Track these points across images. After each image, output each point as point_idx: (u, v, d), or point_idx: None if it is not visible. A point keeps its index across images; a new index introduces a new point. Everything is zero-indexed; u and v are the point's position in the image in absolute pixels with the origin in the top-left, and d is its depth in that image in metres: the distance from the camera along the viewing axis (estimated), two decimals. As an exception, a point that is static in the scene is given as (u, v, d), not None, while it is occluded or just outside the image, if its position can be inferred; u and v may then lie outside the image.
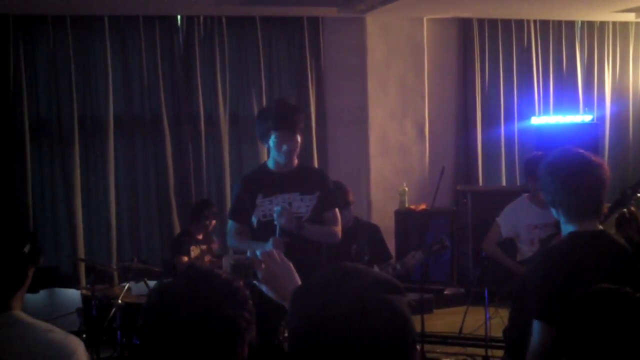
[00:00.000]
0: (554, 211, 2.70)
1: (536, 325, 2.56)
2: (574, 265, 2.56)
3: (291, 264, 1.96)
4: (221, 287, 1.61)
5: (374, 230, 5.10)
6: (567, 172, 2.61)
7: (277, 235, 3.86)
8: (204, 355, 1.57)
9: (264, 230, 3.97)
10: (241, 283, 1.66)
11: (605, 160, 7.96)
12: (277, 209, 3.87)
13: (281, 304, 1.92)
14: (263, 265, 1.92)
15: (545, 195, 2.69)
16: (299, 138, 3.97)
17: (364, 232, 4.94)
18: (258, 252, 1.94)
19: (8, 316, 2.08)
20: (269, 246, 3.71)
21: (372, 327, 1.31)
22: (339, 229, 4.09)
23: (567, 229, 2.66)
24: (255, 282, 1.93)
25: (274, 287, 1.92)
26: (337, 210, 4.14)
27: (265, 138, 3.96)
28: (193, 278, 1.62)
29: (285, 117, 3.90)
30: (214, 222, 6.29)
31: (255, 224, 4.04)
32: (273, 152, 3.98)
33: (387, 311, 1.33)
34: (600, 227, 2.68)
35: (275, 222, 3.86)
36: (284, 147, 3.91)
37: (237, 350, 1.60)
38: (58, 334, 2.11)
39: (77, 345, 2.13)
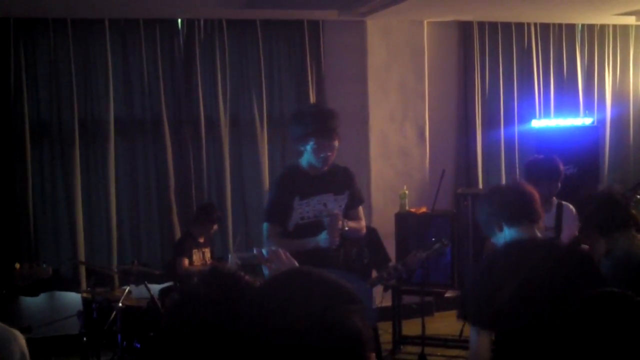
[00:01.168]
0: (497, 235, 2.95)
1: (472, 330, 2.64)
2: (505, 272, 2.59)
3: (296, 262, 1.97)
4: (246, 289, 1.62)
5: (372, 233, 5.12)
6: (498, 191, 3.06)
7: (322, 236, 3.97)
8: (230, 357, 1.58)
9: (303, 233, 4.00)
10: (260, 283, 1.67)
11: (605, 163, 8.02)
12: (326, 219, 3.99)
13: None
14: (270, 264, 1.93)
15: (486, 222, 2.98)
16: (336, 144, 4.03)
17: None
18: (264, 251, 1.95)
19: None
20: (323, 240, 3.90)
21: (319, 337, 1.30)
22: (364, 223, 4.32)
23: (506, 238, 2.88)
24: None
25: None
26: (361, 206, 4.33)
27: (302, 143, 3.99)
28: (216, 282, 1.63)
29: (325, 124, 3.96)
30: (215, 226, 6.30)
31: (291, 227, 4.06)
32: (309, 156, 4.01)
33: (336, 323, 1.32)
34: (538, 233, 2.92)
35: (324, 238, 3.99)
36: (322, 154, 3.97)
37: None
38: None
39: (18, 334, 2.30)
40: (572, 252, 2.76)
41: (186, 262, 6.05)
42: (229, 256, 1.80)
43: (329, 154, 3.99)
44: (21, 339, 2.34)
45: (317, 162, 4.00)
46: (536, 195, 2.96)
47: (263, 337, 1.33)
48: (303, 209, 4.04)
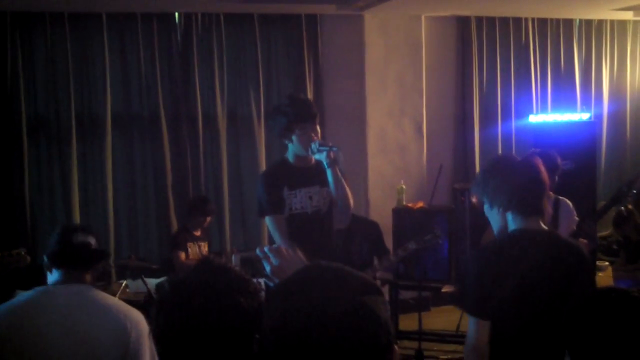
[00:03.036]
0: (494, 212, 2.72)
1: (471, 321, 2.60)
2: (509, 263, 2.58)
3: (299, 258, 1.98)
4: (235, 279, 1.64)
5: (374, 226, 5.16)
6: (510, 171, 2.67)
7: (302, 226, 3.95)
8: (219, 346, 1.59)
9: (294, 223, 4.00)
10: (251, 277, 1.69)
11: (602, 158, 8.03)
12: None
13: None
14: (271, 260, 1.94)
15: (490, 198, 2.72)
16: (318, 128, 4.05)
17: (363, 228, 4.97)
18: (266, 248, 1.96)
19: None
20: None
21: (345, 328, 1.31)
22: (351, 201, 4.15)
23: (512, 227, 2.69)
24: (264, 278, 1.95)
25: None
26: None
27: (287, 133, 3.99)
28: (207, 271, 1.64)
29: (305, 109, 3.99)
30: (209, 218, 6.30)
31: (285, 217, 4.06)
32: (295, 147, 4.01)
33: (361, 312, 1.33)
34: (544, 226, 2.71)
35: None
36: (309, 139, 3.95)
37: (250, 341, 1.61)
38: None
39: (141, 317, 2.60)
40: (572, 246, 2.75)
41: (182, 255, 6.06)
42: (233, 257, 1.84)
43: (315, 138, 3.97)
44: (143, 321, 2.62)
45: (305, 150, 3.98)
46: (547, 184, 2.73)
47: (293, 329, 1.34)
48: (292, 200, 4.05)
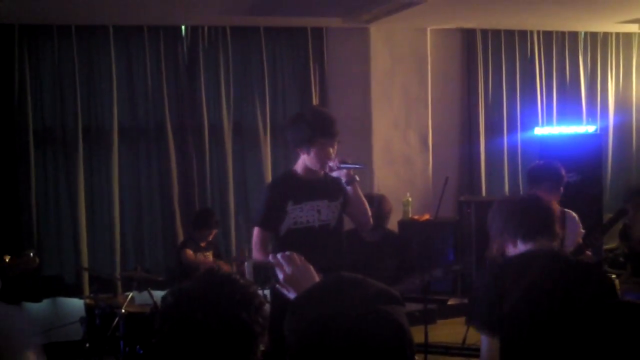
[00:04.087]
0: (512, 248, 2.80)
1: (483, 338, 2.60)
2: (514, 281, 2.59)
3: (311, 267, 1.98)
4: (238, 291, 1.63)
5: (406, 244, 5.28)
6: (512, 205, 2.86)
7: (308, 240, 3.89)
8: (219, 358, 1.59)
9: (294, 238, 3.97)
10: (258, 289, 1.68)
11: (608, 171, 8.02)
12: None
13: None
14: (284, 268, 1.94)
15: (499, 234, 2.85)
16: (336, 146, 4.01)
17: (395, 244, 5.11)
18: (279, 255, 1.95)
19: None
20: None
21: (370, 337, 1.33)
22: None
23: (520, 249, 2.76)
24: (277, 285, 1.95)
25: (295, 289, 1.94)
26: None
27: (305, 145, 3.92)
28: (210, 282, 1.64)
29: (330, 125, 3.96)
30: (215, 231, 6.30)
31: (283, 231, 4.03)
32: (309, 160, 3.95)
33: (386, 323, 1.35)
34: (555, 247, 2.79)
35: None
36: (325, 156, 3.91)
37: (251, 356, 1.61)
38: None
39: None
40: (576, 261, 2.76)
41: (190, 252, 6.05)
42: (246, 264, 1.81)
43: (333, 154, 3.95)
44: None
45: (318, 165, 3.94)
46: (555, 210, 2.82)
47: (315, 339, 1.36)
48: (297, 214, 4.00)
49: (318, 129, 3.89)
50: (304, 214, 3.99)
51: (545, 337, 2.57)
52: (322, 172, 4.00)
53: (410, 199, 7.07)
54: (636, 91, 8.27)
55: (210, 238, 6.26)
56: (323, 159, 3.91)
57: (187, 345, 1.59)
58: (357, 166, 3.94)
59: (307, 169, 4.00)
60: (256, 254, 4.02)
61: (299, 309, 1.45)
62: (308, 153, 3.93)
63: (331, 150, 3.94)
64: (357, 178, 3.98)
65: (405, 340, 1.36)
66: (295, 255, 1.97)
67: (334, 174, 3.92)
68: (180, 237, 6.76)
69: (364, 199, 4.07)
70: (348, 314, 1.34)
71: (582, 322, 1.98)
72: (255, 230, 4.05)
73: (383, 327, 1.34)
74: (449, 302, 6.78)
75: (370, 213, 4.12)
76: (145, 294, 5.58)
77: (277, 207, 3.98)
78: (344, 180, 3.92)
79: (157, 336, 1.64)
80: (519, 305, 2.56)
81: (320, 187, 4.02)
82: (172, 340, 1.60)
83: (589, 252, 4.10)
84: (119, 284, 6.36)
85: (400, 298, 1.44)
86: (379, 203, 4.94)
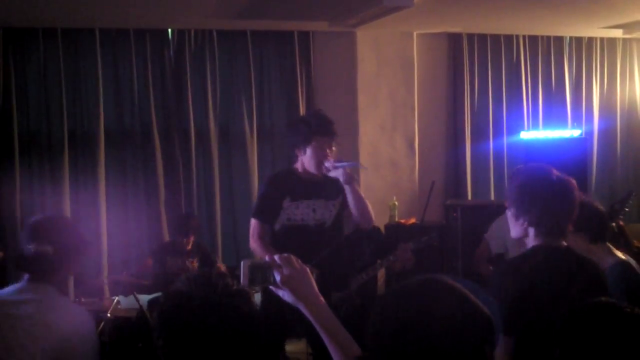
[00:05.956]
0: (518, 223, 2.69)
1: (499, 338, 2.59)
2: (526, 279, 2.58)
3: (307, 268, 1.98)
4: (237, 294, 1.64)
5: (376, 231, 5.27)
6: (548, 190, 2.64)
7: (303, 238, 3.96)
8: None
9: (288, 234, 4.01)
10: (254, 289, 1.70)
11: (593, 175, 8.07)
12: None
13: (289, 316, 1.97)
14: (282, 269, 1.94)
15: (517, 208, 2.69)
16: (334, 148, 4.07)
17: (366, 234, 5.09)
18: (276, 256, 1.96)
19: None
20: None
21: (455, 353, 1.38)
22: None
23: (532, 243, 2.68)
24: (272, 286, 1.95)
25: (292, 289, 1.94)
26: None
27: (303, 144, 4.00)
28: (205, 285, 1.64)
29: (327, 124, 4.03)
30: (192, 238, 6.16)
31: (278, 226, 4.05)
32: (307, 159, 4.02)
33: (472, 354, 1.39)
34: (565, 243, 2.70)
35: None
36: (323, 155, 3.97)
37: (256, 350, 1.62)
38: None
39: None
40: (587, 261, 2.74)
41: (149, 262, 6.03)
42: (241, 263, 1.79)
43: (331, 153, 4.00)
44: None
45: (314, 164, 3.99)
46: (577, 207, 2.69)
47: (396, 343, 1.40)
48: (292, 211, 4.05)
49: (314, 127, 3.96)
50: (299, 211, 4.05)
51: (548, 337, 2.58)
52: (320, 173, 4.03)
53: (396, 203, 7.08)
54: (620, 96, 8.33)
55: (186, 244, 6.14)
56: (319, 157, 3.95)
57: (194, 351, 1.58)
58: (352, 164, 3.99)
59: (305, 170, 4.05)
60: (253, 244, 4.10)
61: (389, 304, 1.48)
62: (305, 152, 3.97)
63: (328, 150, 3.98)
64: (355, 177, 4.02)
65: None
66: (293, 258, 1.97)
67: (331, 174, 3.96)
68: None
69: (363, 198, 4.11)
70: (437, 327, 1.38)
71: (572, 324, 1.99)
72: (253, 222, 4.12)
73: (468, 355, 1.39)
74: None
75: (372, 212, 4.16)
76: (131, 298, 5.54)
77: (273, 201, 4.05)
78: (342, 179, 3.94)
79: (159, 342, 1.63)
80: (534, 305, 2.56)
81: (318, 186, 4.08)
82: (176, 346, 1.60)
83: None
84: (106, 288, 6.33)
85: (495, 327, 1.47)
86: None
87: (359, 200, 4.07)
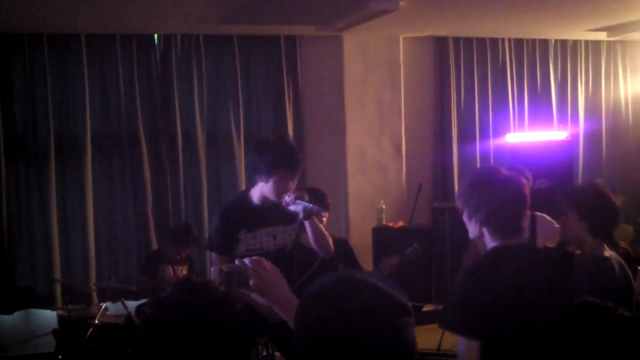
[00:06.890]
0: (472, 223, 2.72)
1: (460, 341, 2.60)
2: (490, 281, 2.60)
3: (279, 271, 1.99)
4: (221, 300, 1.64)
5: (343, 244, 5.11)
6: (495, 189, 2.66)
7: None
8: None
9: None
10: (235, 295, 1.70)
11: (579, 176, 8.12)
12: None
13: (258, 319, 1.97)
14: (255, 272, 1.95)
15: (470, 210, 2.72)
16: (296, 181, 3.94)
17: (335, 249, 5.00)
18: (246, 260, 1.96)
19: None
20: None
21: (373, 346, 1.37)
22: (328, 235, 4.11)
23: (490, 244, 2.70)
24: (247, 289, 1.96)
25: (265, 292, 1.96)
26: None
27: (265, 174, 3.84)
28: (192, 292, 1.64)
29: (294, 159, 3.86)
30: (188, 249, 6.17)
31: (237, 256, 3.99)
32: (266, 188, 3.87)
33: (390, 336, 1.39)
34: (525, 239, 2.72)
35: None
36: (283, 189, 3.83)
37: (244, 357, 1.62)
38: None
39: None
40: (550, 255, 2.76)
41: (141, 277, 6.00)
42: (211, 269, 1.77)
43: (289, 189, 3.86)
44: None
45: (275, 196, 3.87)
46: (528, 202, 2.70)
47: (320, 347, 1.40)
48: (249, 242, 3.95)
49: (281, 160, 3.81)
50: (256, 240, 3.96)
51: (529, 334, 2.59)
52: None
53: (384, 206, 7.10)
54: (605, 97, 8.39)
55: (184, 253, 6.16)
56: (280, 190, 3.85)
57: (174, 357, 1.58)
58: (310, 206, 3.85)
59: (263, 197, 3.95)
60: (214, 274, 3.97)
61: (307, 306, 1.48)
62: (266, 182, 3.87)
63: (291, 183, 3.92)
64: (319, 214, 3.95)
65: (407, 355, 1.41)
66: (263, 260, 1.98)
67: (291, 208, 3.88)
68: (154, 246, 6.71)
69: (324, 232, 4.04)
70: (358, 324, 1.38)
71: (558, 324, 2.00)
72: (213, 256, 4.08)
73: (387, 341, 1.39)
74: (424, 309, 6.80)
75: (331, 243, 4.09)
76: (119, 304, 5.53)
77: (228, 234, 3.95)
78: (301, 215, 3.89)
79: (142, 349, 1.63)
80: (501, 305, 2.57)
81: (274, 213, 3.97)
82: (156, 353, 1.59)
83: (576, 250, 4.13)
84: (94, 294, 6.31)
85: (410, 309, 1.46)
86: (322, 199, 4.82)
87: (319, 234, 4.00)
